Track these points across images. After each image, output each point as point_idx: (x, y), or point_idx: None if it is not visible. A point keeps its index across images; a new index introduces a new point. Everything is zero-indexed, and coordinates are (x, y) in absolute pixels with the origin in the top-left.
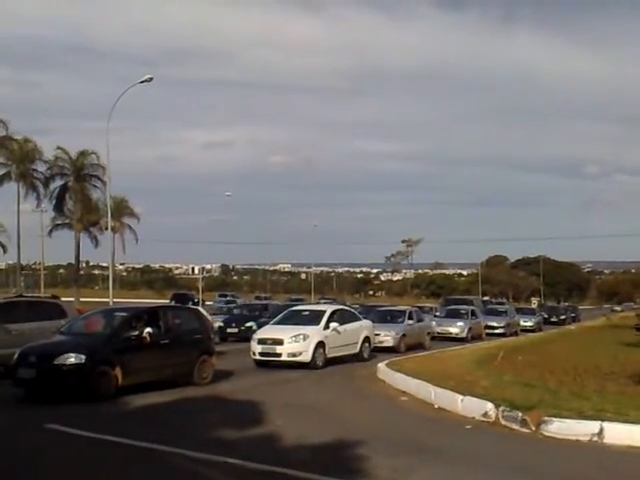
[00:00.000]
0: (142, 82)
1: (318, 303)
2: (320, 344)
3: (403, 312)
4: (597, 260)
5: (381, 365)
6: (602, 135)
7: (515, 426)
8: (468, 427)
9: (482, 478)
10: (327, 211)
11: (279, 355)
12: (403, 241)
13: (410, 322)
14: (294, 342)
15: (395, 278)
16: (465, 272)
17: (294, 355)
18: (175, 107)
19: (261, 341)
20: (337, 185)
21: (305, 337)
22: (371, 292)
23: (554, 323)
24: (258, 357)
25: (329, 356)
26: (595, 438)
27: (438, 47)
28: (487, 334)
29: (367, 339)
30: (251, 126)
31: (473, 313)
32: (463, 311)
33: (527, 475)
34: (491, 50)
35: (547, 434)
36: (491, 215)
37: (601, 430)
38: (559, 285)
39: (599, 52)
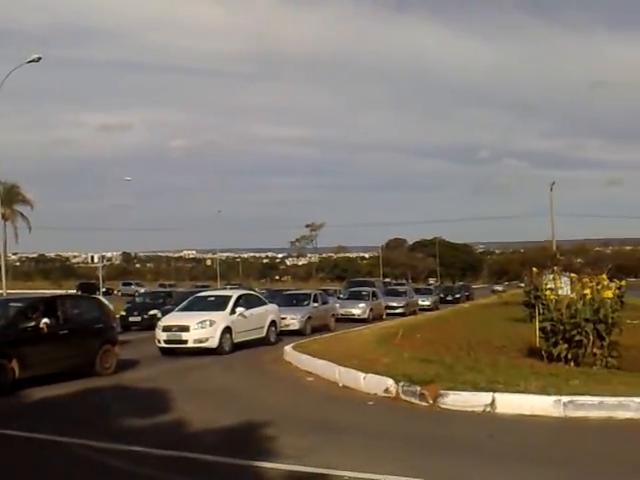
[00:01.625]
0: (30, 62)
1: (224, 289)
2: (227, 329)
3: (308, 295)
4: (489, 241)
5: (287, 348)
6: (493, 121)
7: (414, 400)
8: (370, 403)
9: (382, 450)
10: (231, 196)
11: (185, 342)
12: (307, 225)
13: (315, 305)
14: (200, 328)
15: (300, 262)
16: (367, 255)
17: (201, 341)
18: (69, 89)
19: (166, 328)
20: (240, 170)
21: (211, 323)
22: (277, 277)
23: (450, 302)
24: (163, 345)
25: (236, 341)
26: (488, 408)
27: (337, 34)
28: (388, 314)
29: (273, 323)
30: (150, 109)
31: (374, 294)
32: (364, 293)
33: (424, 444)
34: (387, 38)
35: (444, 406)
36: (390, 199)
37: (493, 400)
38: (454, 266)
39: (488, 42)
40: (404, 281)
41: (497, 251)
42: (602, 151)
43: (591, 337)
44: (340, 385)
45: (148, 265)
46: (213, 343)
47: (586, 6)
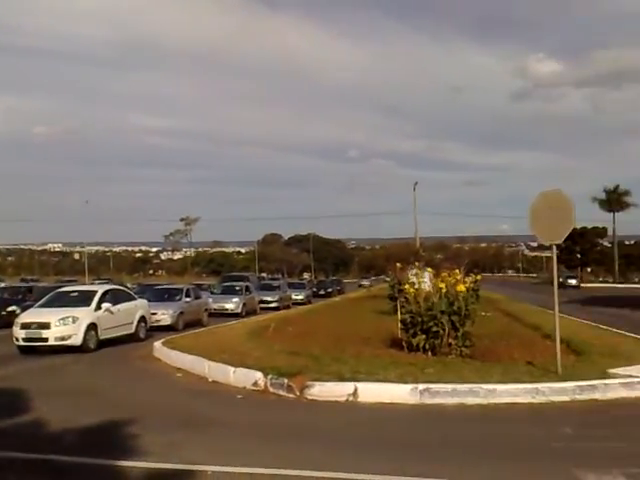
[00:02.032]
0: None
1: (92, 284)
2: (92, 326)
3: (180, 290)
4: (361, 237)
5: (157, 344)
6: (362, 122)
7: (282, 392)
8: (239, 397)
9: (247, 443)
10: (101, 187)
11: (46, 340)
12: (182, 219)
13: (187, 300)
14: (62, 325)
15: (176, 257)
16: (244, 250)
17: (63, 339)
18: None
19: (24, 325)
20: (110, 160)
21: (74, 319)
22: (151, 271)
23: (322, 296)
24: (22, 343)
25: (102, 338)
26: (351, 398)
27: (213, 27)
28: (262, 308)
29: (143, 319)
30: (12, 94)
31: (247, 289)
32: (238, 288)
33: (289, 435)
34: (262, 34)
35: (310, 397)
36: (266, 194)
37: (355, 390)
38: (327, 261)
39: (360, 45)
40: (279, 276)
41: (367, 247)
42: (462, 153)
43: (446, 328)
44: (210, 380)
45: (9, 258)
46: (77, 340)
47: (448, 16)
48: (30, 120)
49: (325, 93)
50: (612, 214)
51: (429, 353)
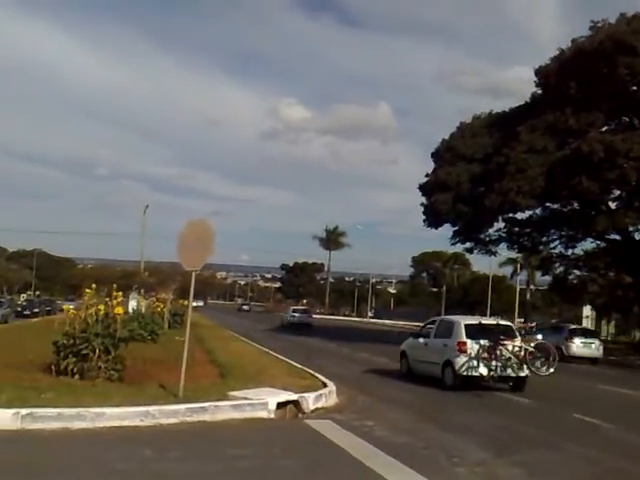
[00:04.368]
0: None
1: None
2: None
3: None
4: (100, 257)
5: None
6: (114, 140)
7: None
8: None
9: None
10: None
11: None
12: None
13: None
14: None
15: None
16: None
17: None
18: None
19: None
20: None
21: None
22: None
23: (27, 316)
24: None
25: None
26: None
27: None
28: None
29: None
30: None
31: None
32: None
33: None
34: (7, 34)
35: None
36: None
37: None
38: (54, 279)
39: (119, 62)
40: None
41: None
42: (211, 184)
43: (97, 351)
44: None
45: None
46: None
47: (208, 48)
48: None
49: (72, 105)
50: (329, 252)
51: (77, 376)
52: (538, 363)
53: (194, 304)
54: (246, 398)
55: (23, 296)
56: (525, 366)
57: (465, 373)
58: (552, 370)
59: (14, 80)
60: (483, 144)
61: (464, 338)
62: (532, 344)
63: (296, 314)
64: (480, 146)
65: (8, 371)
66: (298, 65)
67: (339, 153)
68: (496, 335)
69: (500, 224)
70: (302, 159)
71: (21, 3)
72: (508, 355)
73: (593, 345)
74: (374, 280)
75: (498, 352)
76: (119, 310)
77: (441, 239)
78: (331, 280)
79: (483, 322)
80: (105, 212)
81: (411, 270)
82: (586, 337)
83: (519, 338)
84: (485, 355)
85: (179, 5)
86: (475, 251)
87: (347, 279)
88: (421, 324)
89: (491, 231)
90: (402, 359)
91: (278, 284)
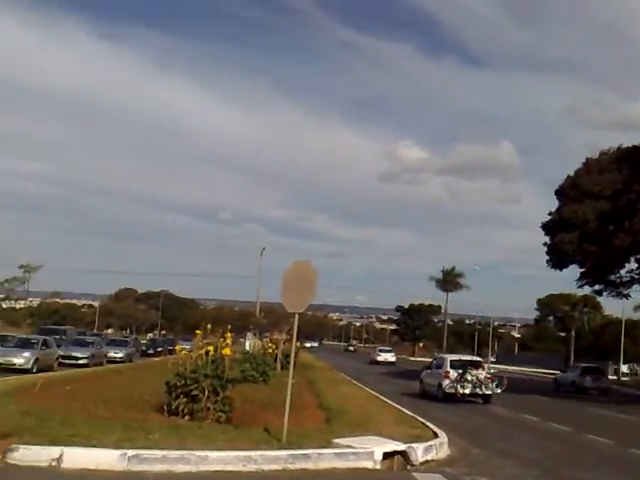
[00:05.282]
0: None
1: None
2: None
3: None
4: (221, 299)
5: None
6: (237, 186)
7: None
8: None
9: None
10: None
11: None
12: (21, 266)
13: None
14: None
15: (18, 306)
16: (96, 304)
17: None
18: None
19: None
20: None
21: None
22: None
23: (150, 355)
24: None
25: None
26: (54, 463)
27: (90, 75)
28: (68, 364)
29: None
30: None
31: (45, 343)
32: (34, 341)
33: None
34: (145, 89)
35: (12, 461)
36: (127, 248)
37: (61, 455)
38: (178, 319)
39: (241, 111)
40: (126, 332)
41: (212, 307)
42: (327, 226)
43: (206, 392)
44: None
45: None
46: None
47: (326, 94)
48: None
49: (201, 154)
50: (446, 293)
51: (187, 417)
52: (493, 385)
53: (308, 345)
54: (350, 446)
55: (149, 335)
56: (484, 386)
57: (447, 390)
58: (500, 390)
59: (153, 134)
60: (612, 180)
61: (448, 368)
62: (489, 372)
63: (382, 353)
64: (608, 182)
65: (123, 410)
66: (416, 107)
67: (457, 193)
68: (466, 366)
69: (632, 265)
70: (419, 199)
71: (159, 61)
72: (471, 378)
73: None
74: (496, 323)
75: (467, 376)
76: (227, 351)
77: (567, 280)
78: (449, 322)
79: (462, 358)
80: (227, 254)
81: (536, 313)
82: None
83: (484, 369)
84: (458, 378)
85: (300, 55)
86: (605, 293)
87: (467, 322)
88: (547, 371)
89: (622, 272)
90: (420, 384)
91: (394, 326)
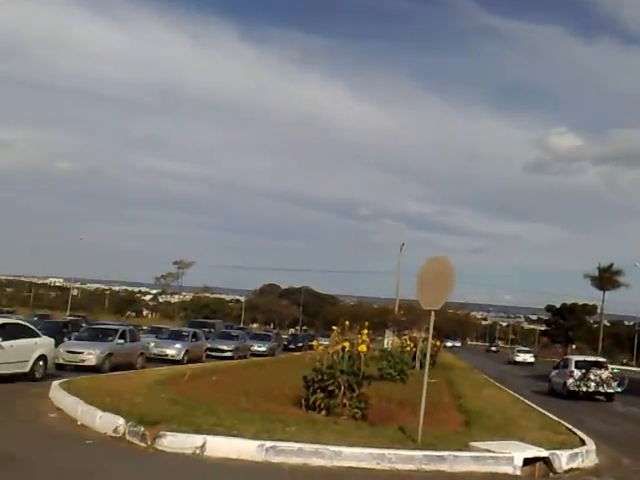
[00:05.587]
0: None
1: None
2: None
3: (115, 331)
4: (361, 295)
5: (55, 383)
6: (375, 181)
7: (136, 440)
8: (89, 442)
9: None
10: (110, 225)
11: None
12: (175, 262)
13: (120, 341)
14: None
15: (173, 300)
16: (242, 298)
17: None
18: None
19: None
20: (124, 199)
21: None
22: (145, 312)
23: (292, 349)
24: None
25: None
26: (197, 451)
27: (235, 76)
28: (215, 356)
29: (42, 357)
30: (35, 128)
31: (194, 335)
32: (184, 333)
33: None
34: (284, 88)
35: (159, 448)
36: (269, 245)
37: (204, 443)
38: (318, 315)
39: (381, 107)
40: (270, 327)
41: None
42: (471, 220)
43: (342, 388)
44: (79, 423)
45: (8, 289)
46: None
47: (470, 83)
48: (49, 155)
49: (341, 151)
50: (602, 292)
51: (324, 412)
52: (615, 384)
53: (449, 344)
54: (489, 450)
55: (291, 330)
56: (606, 385)
57: (571, 388)
58: (620, 389)
59: (294, 132)
60: None
61: (573, 368)
62: (612, 372)
63: (520, 354)
64: None
65: (263, 402)
66: (569, 92)
67: (615, 183)
68: (590, 366)
69: None
70: (572, 191)
71: (300, 60)
72: (594, 377)
73: None
74: None
75: (590, 375)
76: (363, 348)
77: None
78: (605, 323)
79: (586, 359)
80: (366, 251)
81: None
82: None
83: (607, 369)
84: (582, 377)
85: (442, 45)
86: None
87: (626, 323)
88: None
89: None
90: (548, 383)
91: (544, 327)
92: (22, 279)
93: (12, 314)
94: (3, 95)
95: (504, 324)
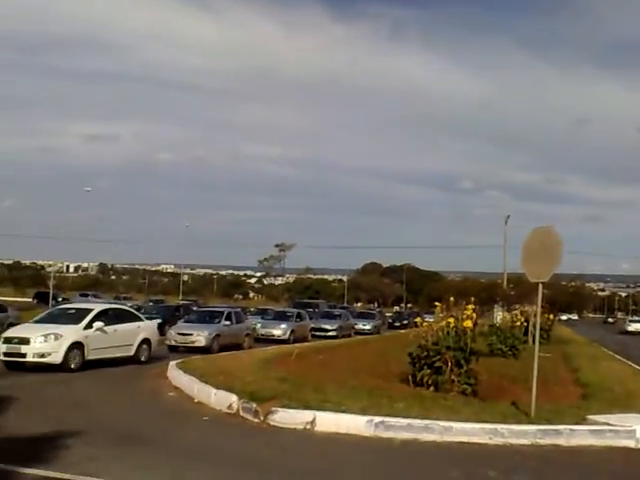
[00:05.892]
0: None
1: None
2: (76, 345)
3: (221, 313)
4: (465, 270)
5: (172, 363)
6: (477, 153)
7: (249, 416)
8: (205, 418)
9: (161, 461)
10: (216, 212)
11: (24, 355)
12: (276, 245)
13: (227, 323)
14: (43, 342)
15: (277, 282)
16: (345, 278)
17: (42, 355)
18: (58, 98)
19: (7, 340)
20: (223, 186)
21: (57, 337)
22: (241, 296)
23: (397, 327)
24: (2, 357)
25: (91, 358)
26: (308, 426)
27: (328, 57)
28: (319, 336)
29: (146, 341)
30: (139, 121)
31: (299, 316)
32: (289, 314)
33: (215, 458)
34: (378, 65)
35: (272, 423)
36: (366, 223)
37: (314, 419)
38: (422, 292)
39: (478, 76)
40: (373, 305)
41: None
42: (582, 187)
43: (449, 364)
44: (195, 400)
45: (124, 277)
46: (56, 358)
47: (575, 45)
48: (154, 147)
49: (439, 123)
50: None
51: (432, 388)
52: None
53: (564, 317)
54: (608, 424)
55: (395, 308)
56: None
57: None
58: None
59: (390, 107)
60: None
61: None
62: None
63: (632, 323)
64: None
65: (370, 379)
66: None
67: None
68: None
69: None
70: None
71: (392, 33)
72: None
73: None
74: None
75: None
76: (468, 323)
77: None
78: None
79: None
80: (469, 225)
81: None
82: None
83: None
84: None
85: (537, 8)
86: None
87: None
88: None
89: None
90: None
91: None
92: (136, 267)
93: (129, 300)
94: (107, 91)
95: (623, 294)
